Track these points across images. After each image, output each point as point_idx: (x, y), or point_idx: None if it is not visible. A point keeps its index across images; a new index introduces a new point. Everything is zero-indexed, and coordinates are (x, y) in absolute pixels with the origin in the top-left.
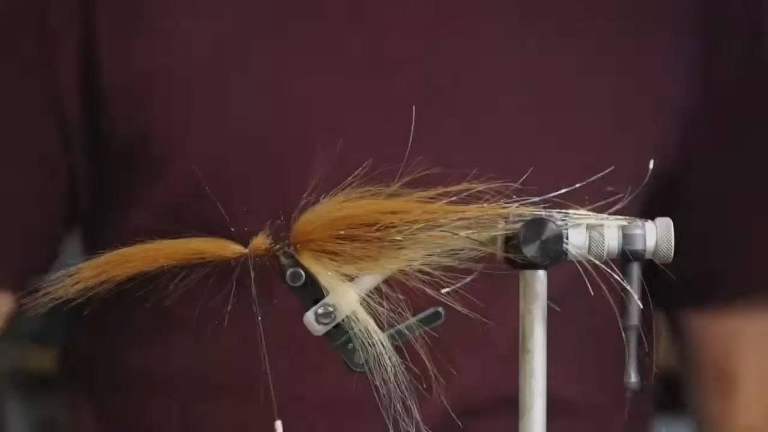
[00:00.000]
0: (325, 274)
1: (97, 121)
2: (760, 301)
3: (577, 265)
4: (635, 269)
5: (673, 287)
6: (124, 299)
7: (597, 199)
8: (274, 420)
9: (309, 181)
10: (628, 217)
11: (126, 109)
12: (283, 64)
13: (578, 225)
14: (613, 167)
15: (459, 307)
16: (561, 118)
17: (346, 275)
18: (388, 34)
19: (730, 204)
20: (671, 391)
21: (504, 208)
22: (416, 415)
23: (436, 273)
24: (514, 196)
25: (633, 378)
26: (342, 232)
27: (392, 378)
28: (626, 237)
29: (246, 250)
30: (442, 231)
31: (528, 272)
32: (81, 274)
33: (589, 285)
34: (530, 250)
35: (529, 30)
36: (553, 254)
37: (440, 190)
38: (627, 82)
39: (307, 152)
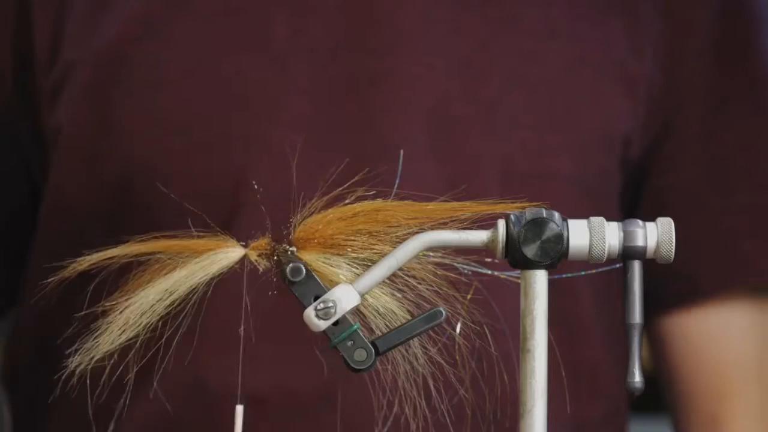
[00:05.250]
0: (325, 269)
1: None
2: (744, 290)
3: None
4: (636, 268)
5: (652, 289)
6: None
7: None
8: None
9: (239, 165)
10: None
11: (50, 102)
12: (214, 55)
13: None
14: None
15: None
16: (503, 100)
17: (346, 272)
18: (314, 15)
19: (703, 193)
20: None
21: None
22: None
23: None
24: None
25: (637, 378)
26: (342, 233)
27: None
28: (627, 236)
29: (245, 250)
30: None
31: (528, 272)
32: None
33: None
34: (531, 250)
35: (469, 13)
36: (554, 254)
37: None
38: (578, 66)
39: (244, 143)
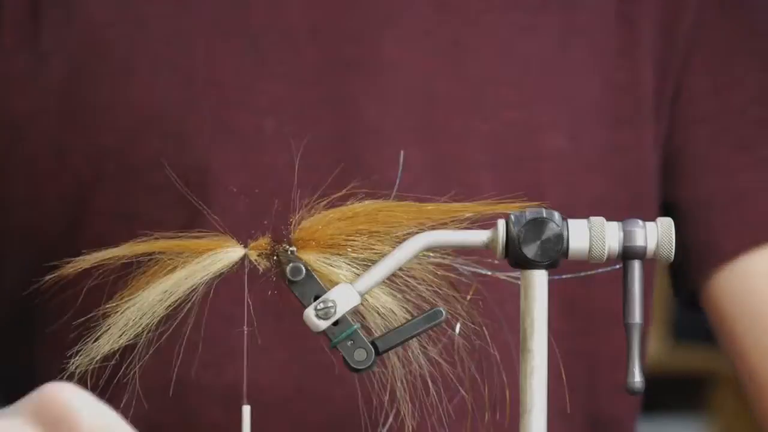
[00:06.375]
0: (325, 269)
1: None
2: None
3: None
4: (636, 268)
5: (685, 261)
6: None
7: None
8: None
9: (215, 157)
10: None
11: (20, 91)
12: (187, 38)
13: (579, 224)
14: None
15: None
16: (491, 78)
17: (346, 272)
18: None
19: (716, 150)
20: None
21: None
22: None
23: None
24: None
25: (637, 378)
26: (342, 233)
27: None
28: (627, 236)
29: (245, 250)
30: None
31: (528, 272)
32: None
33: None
34: (530, 250)
35: None
36: (554, 254)
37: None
38: (571, 37)
39: (214, 129)
